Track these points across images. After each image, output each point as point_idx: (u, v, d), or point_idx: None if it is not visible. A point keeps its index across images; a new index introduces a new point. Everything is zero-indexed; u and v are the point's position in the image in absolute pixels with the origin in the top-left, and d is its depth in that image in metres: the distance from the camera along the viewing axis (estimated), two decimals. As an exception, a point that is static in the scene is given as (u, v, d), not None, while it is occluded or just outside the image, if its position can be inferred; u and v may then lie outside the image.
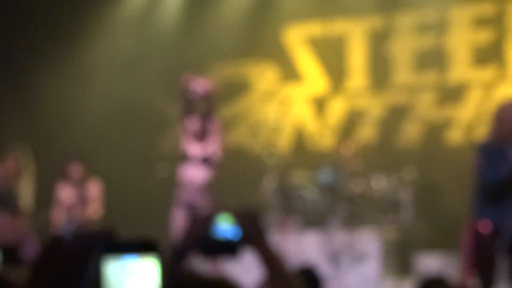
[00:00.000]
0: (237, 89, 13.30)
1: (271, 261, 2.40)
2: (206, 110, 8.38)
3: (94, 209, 8.74)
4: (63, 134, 12.55)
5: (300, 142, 12.68)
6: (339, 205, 10.54)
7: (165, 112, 13.65)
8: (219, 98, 13.28)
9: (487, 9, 11.64)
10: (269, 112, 12.98)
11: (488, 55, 11.60)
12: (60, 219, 8.78)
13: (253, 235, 2.42)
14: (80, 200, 8.72)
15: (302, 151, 12.18)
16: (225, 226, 2.40)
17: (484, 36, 11.63)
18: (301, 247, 10.05)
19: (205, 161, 8.24)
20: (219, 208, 2.54)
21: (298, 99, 12.93)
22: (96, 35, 13.53)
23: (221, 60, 13.39)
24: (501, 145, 6.10)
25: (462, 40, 11.77)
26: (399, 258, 9.80)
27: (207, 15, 13.24)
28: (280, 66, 13.07)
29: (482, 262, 6.26)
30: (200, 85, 8.38)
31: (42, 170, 9.54)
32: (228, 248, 2.41)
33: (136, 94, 13.31)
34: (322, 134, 12.64)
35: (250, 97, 13.24)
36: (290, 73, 12.98)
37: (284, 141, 12.70)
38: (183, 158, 8.38)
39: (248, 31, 13.04)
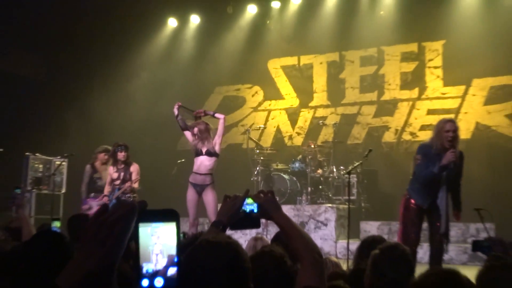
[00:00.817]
0: (234, 103, 13.23)
1: (290, 225, 2.37)
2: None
3: (134, 185, 8.63)
4: (111, 137, 12.43)
5: (279, 141, 12.59)
6: (306, 186, 10.48)
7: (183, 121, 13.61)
8: (223, 110, 13.31)
9: (412, 48, 11.59)
10: (258, 120, 12.90)
11: (412, 80, 11.55)
12: (110, 191, 8.73)
13: (273, 209, 2.40)
14: (124, 178, 8.66)
15: (280, 147, 12.02)
16: (250, 206, 2.42)
17: (410, 67, 11.57)
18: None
19: (208, 154, 8.18)
20: (245, 193, 2.48)
21: (278, 111, 12.85)
22: (134, 67, 13.43)
23: (223, 84, 13.33)
24: (438, 149, 5.92)
25: (394, 69, 11.69)
26: (349, 224, 9.74)
27: (213, 52, 13.14)
28: (265, 88, 13.01)
29: (410, 227, 6.18)
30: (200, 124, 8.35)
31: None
32: (254, 221, 2.43)
33: (163, 108, 13.20)
34: (294, 135, 12.59)
35: (244, 109, 13.15)
36: (272, 93, 12.90)
37: (267, 140, 12.62)
38: (193, 152, 8.31)
39: (243, 63, 12.93)
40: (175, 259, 1.38)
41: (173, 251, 1.38)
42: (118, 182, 8.65)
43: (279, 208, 2.43)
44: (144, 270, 1.37)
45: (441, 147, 5.93)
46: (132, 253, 1.38)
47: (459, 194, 6.19)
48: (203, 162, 8.19)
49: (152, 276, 1.37)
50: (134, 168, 8.70)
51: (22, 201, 5.06)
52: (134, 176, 8.63)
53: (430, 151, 6.00)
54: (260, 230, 8.75)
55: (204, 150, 8.18)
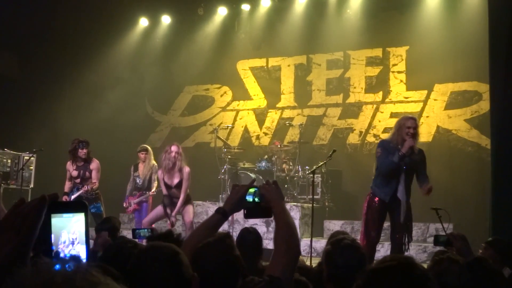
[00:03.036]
0: (203, 103, 13.03)
1: (283, 216, 2.43)
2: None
3: (93, 182, 8.23)
4: (80, 135, 12.08)
5: (246, 140, 12.40)
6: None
7: (153, 118, 13.40)
8: (192, 109, 13.12)
9: (376, 53, 11.54)
10: (226, 119, 12.71)
11: (376, 84, 11.51)
12: (70, 187, 8.37)
13: (277, 198, 2.50)
14: (84, 176, 8.28)
15: (247, 146, 11.84)
16: (254, 195, 2.51)
17: (374, 71, 11.53)
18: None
19: (176, 187, 7.91)
20: (251, 182, 2.58)
21: (246, 111, 12.67)
22: (105, 66, 13.04)
23: (193, 83, 13.13)
24: (398, 143, 6.00)
25: (359, 73, 11.64)
26: (312, 223, 9.66)
27: (183, 52, 12.90)
28: (234, 88, 12.84)
29: (371, 225, 6.14)
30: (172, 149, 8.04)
31: (64, 157, 9.16)
32: (264, 211, 2.51)
33: (133, 106, 12.98)
34: (262, 135, 12.43)
35: (213, 109, 12.95)
36: (240, 93, 12.74)
37: (235, 139, 12.43)
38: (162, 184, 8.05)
39: (212, 64, 12.73)
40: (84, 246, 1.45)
41: (82, 239, 1.46)
42: (78, 180, 8.29)
43: (281, 198, 2.52)
44: (55, 257, 1.42)
45: (401, 141, 6.02)
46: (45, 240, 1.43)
47: (427, 178, 6.19)
48: (175, 194, 7.99)
49: (64, 262, 1.36)
50: (94, 165, 8.30)
51: None
52: (94, 174, 8.24)
53: (389, 144, 6.09)
54: (226, 227, 8.56)
55: (172, 184, 7.98)
